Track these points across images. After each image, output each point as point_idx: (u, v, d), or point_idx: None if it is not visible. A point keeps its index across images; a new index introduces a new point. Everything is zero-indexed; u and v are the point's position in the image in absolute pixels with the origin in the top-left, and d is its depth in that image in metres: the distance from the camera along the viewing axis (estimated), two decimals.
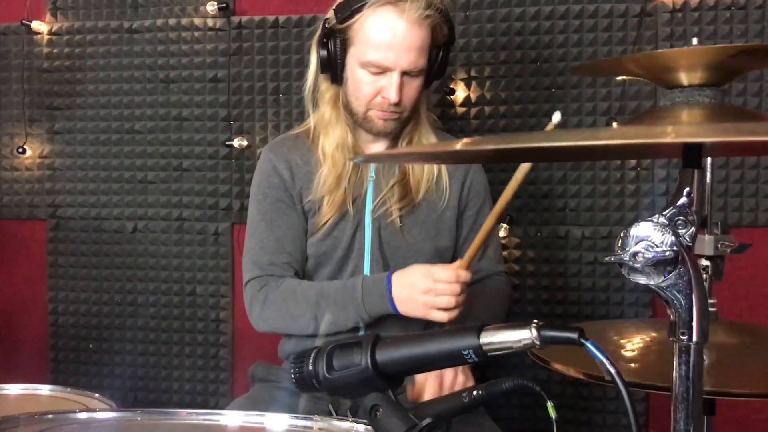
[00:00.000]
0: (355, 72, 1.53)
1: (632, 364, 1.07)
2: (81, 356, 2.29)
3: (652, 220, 0.61)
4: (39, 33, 2.23)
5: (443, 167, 1.62)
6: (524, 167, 1.35)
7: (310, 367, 0.71)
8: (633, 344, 1.16)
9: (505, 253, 2.00)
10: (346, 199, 1.58)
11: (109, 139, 2.22)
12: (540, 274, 2.05)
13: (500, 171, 1.99)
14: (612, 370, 0.60)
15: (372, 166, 1.62)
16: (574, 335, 0.63)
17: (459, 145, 0.54)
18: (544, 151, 0.56)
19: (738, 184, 1.94)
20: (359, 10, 1.48)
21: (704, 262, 0.95)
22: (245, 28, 2.12)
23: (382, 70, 1.50)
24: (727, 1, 1.91)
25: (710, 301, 0.97)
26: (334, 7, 1.54)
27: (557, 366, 0.94)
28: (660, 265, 0.61)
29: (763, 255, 1.94)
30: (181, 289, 2.22)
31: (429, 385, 1.42)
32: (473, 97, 2.04)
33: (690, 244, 0.61)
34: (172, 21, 2.16)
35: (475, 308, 1.56)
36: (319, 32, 1.58)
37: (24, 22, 2.20)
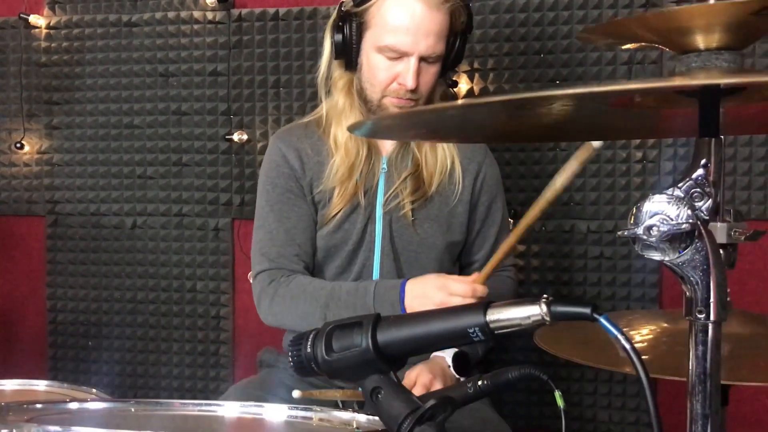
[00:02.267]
0: (370, 57, 1.49)
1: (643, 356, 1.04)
2: (80, 352, 2.27)
3: (666, 193, 0.58)
4: (37, 27, 2.20)
5: (456, 160, 1.58)
6: (555, 188, 1.25)
7: (308, 350, 0.69)
8: (641, 335, 1.13)
9: None
10: (358, 190, 1.54)
11: (108, 134, 2.20)
12: (545, 268, 2.02)
13: (506, 164, 1.96)
14: (627, 346, 0.57)
15: (384, 158, 1.58)
16: (587, 310, 0.60)
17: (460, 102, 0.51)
18: (550, 98, 0.53)
19: (746, 177, 1.91)
20: None
21: None
22: (245, 21, 2.10)
23: (399, 55, 1.46)
24: None
25: None
26: None
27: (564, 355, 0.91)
28: (675, 240, 0.58)
29: (755, 247, 1.91)
30: (181, 285, 2.19)
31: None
32: (476, 89, 2.01)
33: (707, 217, 0.58)
34: (171, 14, 2.14)
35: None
36: (334, 16, 1.54)
37: (22, 15, 2.18)
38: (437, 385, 1.39)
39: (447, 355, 1.43)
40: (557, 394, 0.84)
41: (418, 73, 1.47)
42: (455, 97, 2.02)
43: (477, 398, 0.88)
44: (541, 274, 2.02)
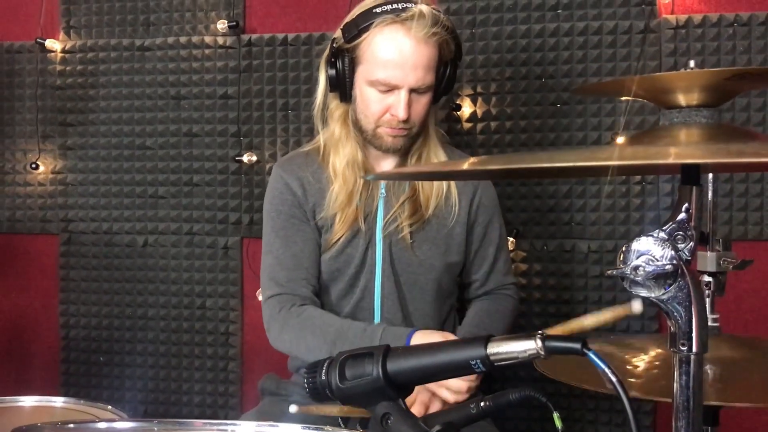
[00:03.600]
0: (363, 90, 1.56)
1: (636, 379, 1.09)
2: (92, 369, 2.32)
3: (652, 235, 0.63)
4: (53, 51, 2.27)
5: (452, 183, 1.64)
6: (581, 324, 1.28)
7: (323, 377, 0.74)
8: (639, 359, 1.18)
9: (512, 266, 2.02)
10: (358, 216, 1.60)
11: (121, 154, 2.26)
12: (546, 287, 2.07)
13: (508, 184, 2.02)
14: (614, 379, 0.62)
15: (382, 183, 1.64)
16: (577, 345, 0.65)
17: (465, 164, 0.56)
18: (546, 170, 0.58)
19: (743, 198, 1.95)
20: (366, 29, 1.50)
21: (707, 278, 0.97)
22: (255, 46, 2.16)
23: (390, 88, 1.52)
24: (730, 18, 1.93)
25: (713, 316, 0.99)
26: (341, 27, 1.57)
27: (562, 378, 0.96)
28: (660, 278, 0.63)
29: (752, 269, 1.96)
30: (191, 303, 2.25)
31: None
32: (479, 112, 2.07)
33: (689, 258, 0.63)
34: (183, 39, 2.20)
35: (480, 324, 1.58)
36: (327, 51, 1.60)
37: (38, 40, 2.25)
38: (436, 404, 1.44)
39: None
40: (555, 415, 0.88)
41: (409, 104, 1.52)
42: (459, 120, 2.08)
43: (479, 419, 0.93)
44: (543, 293, 2.07)
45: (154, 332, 2.27)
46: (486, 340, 0.69)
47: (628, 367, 1.14)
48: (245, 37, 2.17)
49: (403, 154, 1.64)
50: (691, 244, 0.63)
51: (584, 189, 2.03)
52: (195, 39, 2.20)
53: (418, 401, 1.44)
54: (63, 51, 2.27)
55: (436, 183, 1.62)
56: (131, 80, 2.24)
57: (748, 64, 1.92)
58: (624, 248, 0.64)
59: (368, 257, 1.62)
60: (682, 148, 0.59)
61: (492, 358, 0.69)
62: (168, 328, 2.26)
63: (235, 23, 2.15)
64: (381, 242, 1.61)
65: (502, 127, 2.06)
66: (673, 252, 0.62)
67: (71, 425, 0.83)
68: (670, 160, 0.49)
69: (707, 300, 0.97)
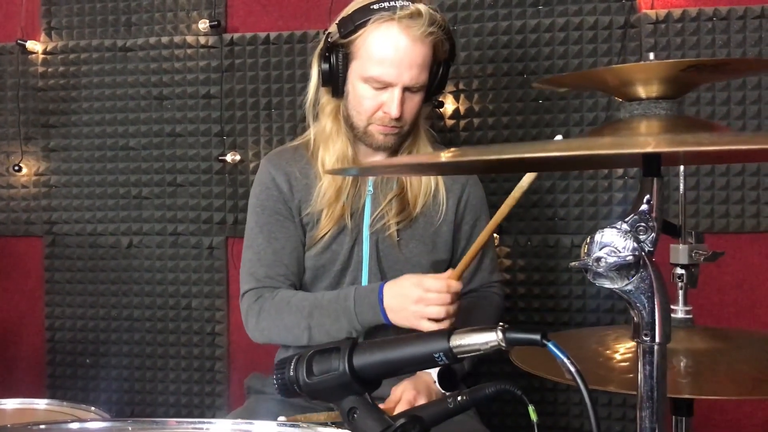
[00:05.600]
0: (356, 86, 1.55)
1: (619, 373, 1.09)
2: (78, 371, 2.31)
3: (615, 227, 0.64)
4: (34, 52, 2.26)
5: (440, 181, 1.64)
6: (523, 183, 1.35)
7: (291, 373, 0.74)
8: (620, 354, 1.18)
9: None
10: (345, 212, 1.59)
11: (104, 155, 2.25)
12: (531, 282, 2.07)
13: (491, 181, 2.02)
14: (572, 369, 0.62)
15: (370, 180, 1.63)
16: (537, 337, 0.66)
17: (446, 156, 0.56)
18: (507, 163, 0.59)
19: (709, 191, 1.96)
20: (363, 25, 1.50)
21: (679, 271, 0.98)
22: (237, 45, 2.16)
23: (384, 86, 1.52)
24: (709, 12, 1.94)
25: (686, 308, 1.00)
26: (337, 21, 1.56)
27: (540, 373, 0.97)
28: (623, 269, 0.63)
29: (734, 261, 1.97)
30: (176, 303, 2.24)
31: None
32: (462, 109, 2.07)
33: (651, 249, 0.63)
34: (164, 39, 2.20)
35: (466, 321, 1.58)
36: (321, 45, 1.59)
37: (19, 41, 2.24)
38: (421, 401, 1.44)
39: (433, 371, 1.48)
40: (530, 408, 0.89)
41: (402, 103, 1.52)
42: (442, 117, 2.08)
43: (457, 413, 0.93)
44: (527, 288, 2.08)
45: (140, 333, 2.27)
46: (449, 333, 0.70)
47: (604, 360, 1.14)
48: (227, 36, 2.17)
49: (393, 151, 1.63)
50: (653, 235, 0.63)
51: (567, 184, 2.04)
52: (177, 39, 2.19)
53: (403, 400, 1.44)
54: (44, 52, 2.26)
55: (424, 181, 1.62)
56: (113, 81, 2.23)
57: (727, 57, 1.93)
58: (588, 240, 0.65)
59: (354, 254, 1.62)
60: (642, 138, 0.59)
61: (455, 350, 0.69)
62: (154, 328, 2.26)
63: (216, 23, 2.14)
64: (368, 239, 1.61)
65: (484, 124, 2.07)
66: (635, 243, 0.62)
67: (42, 426, 0.83)
68: (624, 150, 0.50)
69: (680, 292, 0.98)
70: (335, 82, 1.57)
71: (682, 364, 0.94)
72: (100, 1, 2.24)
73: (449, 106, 2.07)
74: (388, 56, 1.49)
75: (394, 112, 1.51)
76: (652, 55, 0.74)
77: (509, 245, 2.07)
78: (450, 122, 2.08)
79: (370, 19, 1.49)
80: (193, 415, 2.23)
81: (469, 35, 2.05)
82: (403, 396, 1.44)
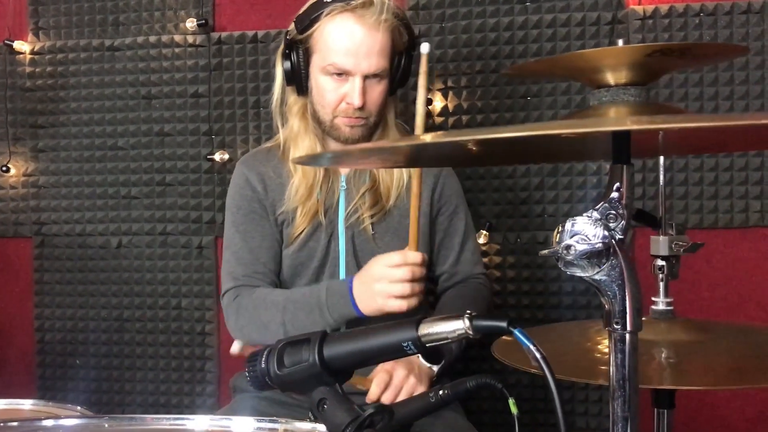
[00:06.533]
0: (318, 80, 1.57)
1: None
2: (68, 372, 2.30)
3: (586, 215, 0.63)
4: (21, 53, 2.25)
5: (414, 174, 1.64)
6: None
7: (263, 365, 0.74)
8: (605, 347, 1.17)
9: (485, 259, 2.03)
10: (319, 209, 1.61)
11: (93, 155, 2.25)
12: (520, 279, 2.07)
13: (479, 179, 2.02)
14: (538, 356, 0.62)
15: (343, 176, 1.64)
16: (503, 324, 0.65)
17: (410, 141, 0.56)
18: (482, 154, 0.58)
19: (698, 187, 1.97)
20: (317, 18, 1.53)
21: (660, 262, 0.98)
22: (225, 44, 2.15)
23: (344, 75, 1.54)
24: (696, 7, 1.94)
25: (667, 299, 1.00)
26: (294, 20, 1.59)
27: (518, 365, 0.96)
28: (593, 257, 0.63)
29: (724, 256, 1.97)
30: (166, 303, 2.24)
31: (376, 382, 1.42)
32: (450, 106, 2.07)
33: (621, 236, 0.63)
34: (152, 38, 2.19)
35: (453, 307, 1.58)
36: (282, 46, 1.63)
37: (6, 42, 2.23)
38: (400, 371, 1.44)
39: None
40: (511, 401, 0.89)
41: (364, 92, 1.54)
42: (430, 114, 2.08)
43: (439, 407, 0.93)
44: (517, 285, 2.07)
45: (129, 333, 2.26)
46: (417, 322, 0.70)
47: (597, 355, 1.13)
48: (215, 35, 2.16)
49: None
50: (623, 222, 0.63)
51: (556, 181, 2.04)
52: (165, 38, 2.18)
53: (382, 370, 1.44)
54: (32, 52, 2.26)
55: (396, 173, 1.63)
56: (101, 81, 2.22)
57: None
58: (559, 228, 0.64)
59: (331, 250, 1.62)
60: (606, 119, 0.59)
61: (423, 339, 0.69)
62: (144, 329, 2.25)
63: (204, 21, 2.14)
64: (343, 234, 1.62)
65: (473, 121, 2.07)
66: (605, 231, 0.62)
67: (15, 423, 0.82)
68: (589, 129, 0.49)
69: (660, 284, 0.97)
70: (298, 79, 1.59)
71: (662, 355, 0.94)
72: (88, 0, 2.23)
73: (438, 103, 2.07)
74: (344, 46, 1.52)
75: (357, 101, 1.53)
76: (621, 42, 0.74)
77: (498, 242, 2.07)
78: (439, 119, 2.08)
79: (323, 12, 1.52)
80: (184, 414, 2.22)
81: (457, 32, 2.05)
82: (384, 366, 1.43)
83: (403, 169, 1.63)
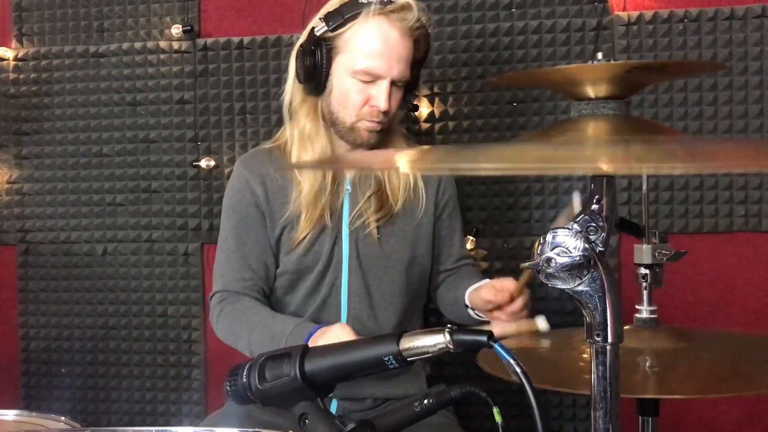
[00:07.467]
0: (344, 81, 1.54)
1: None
2: (53, 381, 2.28)
3: (567, 227, 0.63)
4: (5, 59, 2.24)
5: (418, 176, 1.65)
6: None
7: (244, 379, 0.73)
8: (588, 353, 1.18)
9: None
10: (324, 213, 1.59)
11: (78, 162, 2.23)
12: None
13: (467, 184, 2.02)
14: (518, 370, 0.62)
15: (348, 179, 1.63)
16: (483, 338, 0.65)
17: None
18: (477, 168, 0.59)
19: (683, 192, 1.97)
20: (353, 18, 1.50)
21: (643, 270, 0.98)
22: (210, 50, 2.15)
23: (373, 79, 1.52)
24: (680, 14, 1.96)
25: (650, 308, 1.00)
26: (322, 16, 1.54)
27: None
28: (574, 269, 0.63)
29: (708, 261, 1.98)
30: (152, 311, 2.22)
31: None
32: (437, 112, 2.07)
33: (602, 249, 0.63)
34: (137, 44, 2.18)
35: (462, 286, 1.62)
36: (303, 40, 1.58)
37: None
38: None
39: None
40: (495, 410, 0.89)
41: (390, 96, 1.53)
42: (417, 120, 2.08)
43: (424, 416, 0.93)
44: None
45: (116, 341, 2.24)
46: (398, 336, 0.69)
47: (581, 364, 1.13)
48: (200, 41, 2.15)
49: (370, 150, 1.62)
50: (603, 234, 0.63)
51: (542, 186, 2.04)
52: (150, 44, 2.17)
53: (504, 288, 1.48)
54: (15, 59, 2.24)
55: (402, 176, 1.62)
56: (86, 87, 2.21)
57: (698, 58, 1.94)
58: (540, 240, 0.64)
59: (335, 254, 1.61)
60: (580, 155, 0.59)
61: (404, 353, 0.69)
62: (130, 336, 2.24)
63: (189, 27, 2.13)
64: (348, 238, 1.61)
65: (459, 127, 2.07)
66: (585, 243, 0.62)
67: None
68: (578, 165, 0.49)
69: (644, 292, 0.98)
70: (318, 78, 1.55)
71: (646, 363, 0.94)
72: (72, 6, 2.22)
73: (424, 109, 2.07)
74: (378, 49, 1.50)
75: (383, 105, 1.52)
76: (600, 55, 0.74)
77: (485, 248, 2.07)
78: (425, 125, 2.08)
79: (361, 12, 1.50)
80: (171, 424, 2.21)
81: (443, 38, 2.05)
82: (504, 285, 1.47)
83: (409, 173, 1.63)
